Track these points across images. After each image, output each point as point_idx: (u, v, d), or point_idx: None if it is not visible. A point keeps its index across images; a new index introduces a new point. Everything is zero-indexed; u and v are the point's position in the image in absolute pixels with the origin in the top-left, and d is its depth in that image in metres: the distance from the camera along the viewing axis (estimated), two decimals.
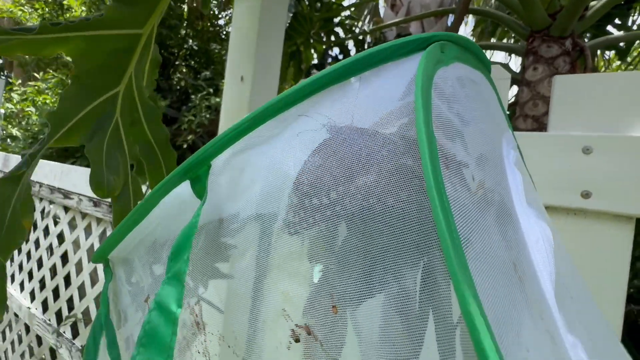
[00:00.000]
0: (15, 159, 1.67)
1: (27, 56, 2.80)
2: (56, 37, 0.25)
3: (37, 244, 1.46)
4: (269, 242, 0.15)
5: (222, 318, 0.17)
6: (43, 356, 1.30)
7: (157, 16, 0.31)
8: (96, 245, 1.18)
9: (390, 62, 0.16)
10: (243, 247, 0.16)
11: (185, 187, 0.18)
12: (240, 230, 0.16)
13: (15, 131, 2.03)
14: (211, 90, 2.54)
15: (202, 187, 0.17)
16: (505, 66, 1.11)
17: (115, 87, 0.33)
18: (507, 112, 0.43)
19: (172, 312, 0.14)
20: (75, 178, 1.27)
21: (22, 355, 1.41)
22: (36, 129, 2.14)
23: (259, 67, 0.67)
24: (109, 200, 1.17)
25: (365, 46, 1.72)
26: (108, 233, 1.14)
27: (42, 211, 1.47)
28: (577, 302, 0.21)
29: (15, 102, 2.27)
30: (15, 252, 1.58)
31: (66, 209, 1.34)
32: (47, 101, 2.31)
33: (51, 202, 1.43)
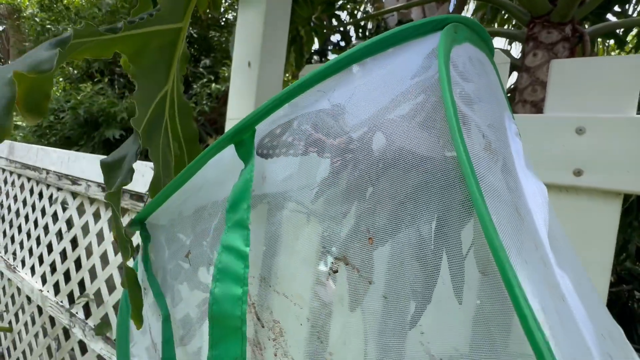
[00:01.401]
0: (19, 147, 1.68)
1: (25, 44, 2.78)
2: (124, 36, 0.26)
3: (46, 229, 1.50)
4: (309, 192, 0.18)
5: (264, 262, 0.20)
6: (57, 335, 1.35)
7: (192, 8, 0.32)
8: (105, 230, 1.21)
9: (412, 40, 0.19)
10: (282, 197, 0.19)
11: (226, 154, 0.21)
12: (282, 181, 0.19)
13: (18, 120, 2.04)
14: (212, 77, 2.54)
15: (247, 150, 0.19)
16: (506, 52, 1.13)
17: (165, 86, 0.34)
18: (508, 96, 0.45)
19: (241, 250, 0.17)
20: (83, 164, 1.29)
21: (36, 335, 1.47)
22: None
23: (264, 54, 0.69)
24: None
25: (367, 33, 1.73)
26: None
27: (50, 197, 1.50)
28: (565, 254, 0.25)
29: None
30: (25, 237, 1.61)
31: (74, 195, 1.37)
32: None
33: (59, 189, 1.46)
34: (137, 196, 1.07)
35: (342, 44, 1.60)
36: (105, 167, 0.30)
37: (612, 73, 0.47)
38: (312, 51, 1.84)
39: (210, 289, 0.18)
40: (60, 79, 2.32)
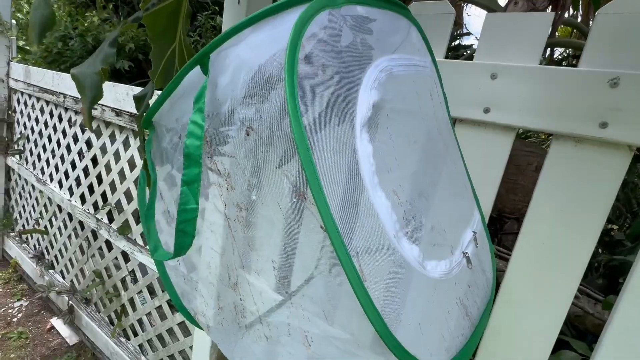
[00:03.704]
0: (35, 72, 1.80)
1: None
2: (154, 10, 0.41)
3: (68, 149, 1.69)
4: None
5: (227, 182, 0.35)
6: (87, 236, 1.63)
7: None
8: (121, 150, 1.39)
9: (290, 9, 0.31)
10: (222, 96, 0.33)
11: (194, 73, 0.35)
12: (222, 88, 0.33)
13: (27, 44, 2.11)
14: (216, 8, 2.50)
15: (206, 69, 0.33)
16: (493, 1, 1.15)
17: (173, 43, 0.47)
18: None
19: (199, 123, 0.32)
20: None
21: (69, 237, 1.75)
22: (47, 41, 2.20)
23: None
24: (129, 110, 1.33)
25: None
26: (131, 139, 1.34)
27: (69, 120, 1.66)
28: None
29: (25, 12, 2.30)
30: (50, 155, 1.82)
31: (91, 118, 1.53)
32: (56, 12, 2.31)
33: (76, 112, 1.61)
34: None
35: None
36: (135, 99, 0.48)
37: (524, 28, 0.56)
38: None
39: (185, 142, 0.33)
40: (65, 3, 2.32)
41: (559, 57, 2.14)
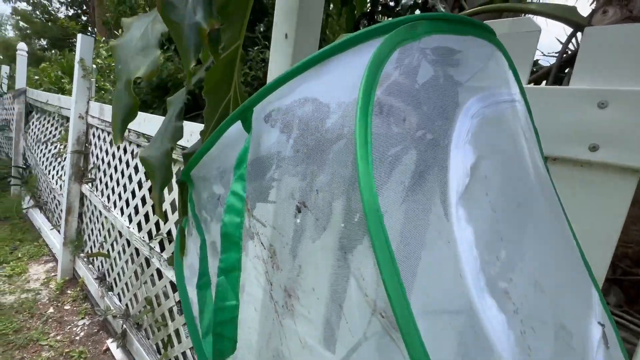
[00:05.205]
0: (107, 109, 1.99)
1: (107, 14, 3.12)
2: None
3: (130, 178, 1.81)
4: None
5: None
6: (141, 263, 1.69)
7: (246, 24, 0.40)
8: (174, 182, 1.44)
9: (359, 45, 0.24)
10: (267, 158, 0.27)
11: (237, 127, 0.29)
12: (266, 148, 0.27)
13: (107, 84, 2.39)
14: (266, 43, 2.61)
15: (248, 125, 0.27)
16: (572, 9, 1.00)
17: (228, 94, 0.44)
18: (536, 68, 0.45)
19: (240, 194, 0.26)
20: (154, 125, 1.51)
21: (127, 262, 1.84)
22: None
23: (300, 26, 0.75)
24: (182, 144, 1.37)
25: None
26: None
27: (132, 152, 1.79)
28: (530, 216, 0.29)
29: (103, 57, 2.63)
30: (115, 184, 1.96)
31: None
32: None
33: (138, 145, 1.73)
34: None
35: (392, 4, 1.52)
36: (184, 156, 0.44)
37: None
38: (362, 14, 1.79)
39: (222, 218, 0.27)
40: None
41: None
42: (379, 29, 0.25)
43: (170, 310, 1.51)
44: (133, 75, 0.32)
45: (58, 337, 1.95)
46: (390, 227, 0.18)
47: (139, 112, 1.75)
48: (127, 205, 1.83)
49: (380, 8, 1.60)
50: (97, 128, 2.21)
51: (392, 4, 1.54)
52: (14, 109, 3.63)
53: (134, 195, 1.75)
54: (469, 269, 0.20)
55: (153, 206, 1.59)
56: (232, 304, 0.25)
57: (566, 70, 1.16)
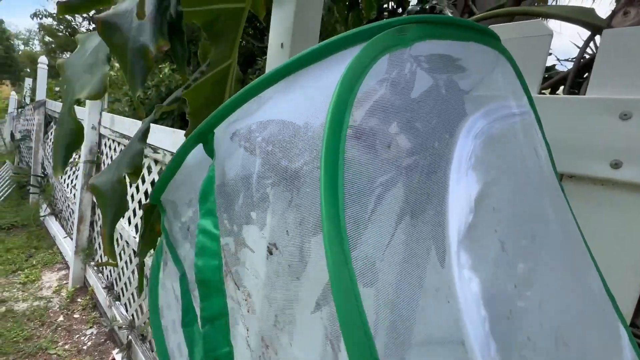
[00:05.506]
0: (118, 120, 2.02)
1: None
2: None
3: (137, 188, 1.82)
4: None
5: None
6: (146, 273, 1.68)
7: (238, 43, 0.37)
8: None
9: (336, 53, 0.20)
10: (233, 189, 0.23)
11: (199, 150, 0.26)
12: (234, 175, 0.23)
13: (119, 96, 2.45)
14: None
15: (210, 149, 0.24)
16: (589, 11, 0.94)
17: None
18: (545, 76, 0.40)
19: (213, 233, 0.22)
20: (160, 136, 1.51)
21: (133, 272, 1.84)
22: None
23: (297, 34, 0.72)
24: (169, 149, 1.36)
25: None
26: None
27: None
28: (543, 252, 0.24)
29: (115, 69, 2.71)
30: None
31: (155, 161, 1.62)
32: None
33: (145, 156, 1.74)
34: None
35: (400, 10, 1.49)
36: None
37: None
38: (369, 20, 1.76)
39: (194, 262, 0.23)
40: None
41: None
42: (359, 34, 0.21)
43: None
44: (76, 97, 0.29)
45: (66, 347, 1.96)
46: (368, 307, 0.14)
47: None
48: (134, 215, 1.83)
49: (386, 14, 1.57)
50: (108, 138, 2.25)
51: (399, 10, 1.51)
52: (34, 119, 3.76)
53: (140, 204, 1.76)
54: (475, 336, 0.16)
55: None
56: (224, 352, 0.21)
57: (585, 75, 1.09)
